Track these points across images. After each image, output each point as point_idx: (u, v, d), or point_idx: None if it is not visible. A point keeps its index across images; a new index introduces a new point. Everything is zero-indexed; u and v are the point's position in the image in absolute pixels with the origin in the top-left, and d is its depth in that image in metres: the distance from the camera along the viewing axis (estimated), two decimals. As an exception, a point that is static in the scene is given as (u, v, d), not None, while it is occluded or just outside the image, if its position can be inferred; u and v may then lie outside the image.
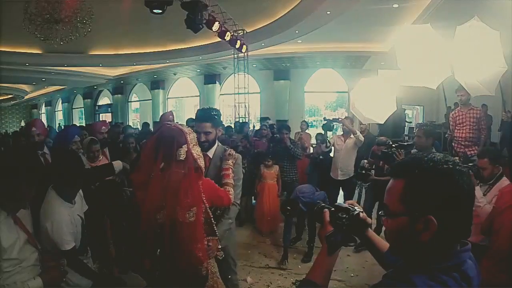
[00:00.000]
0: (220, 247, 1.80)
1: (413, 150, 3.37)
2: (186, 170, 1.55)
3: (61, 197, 1.81)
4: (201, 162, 1.64)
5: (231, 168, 2.03)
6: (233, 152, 2.11)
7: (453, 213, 0.75)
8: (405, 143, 3.62)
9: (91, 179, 2.45)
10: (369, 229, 1.10)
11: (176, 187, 1.53)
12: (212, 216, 1.73)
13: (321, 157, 5.10)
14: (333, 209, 1.06)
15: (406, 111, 11.57)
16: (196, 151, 1.64)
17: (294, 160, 4.43)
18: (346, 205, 1.05)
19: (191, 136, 1.64)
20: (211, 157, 2.12)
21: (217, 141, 2.20)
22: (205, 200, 1.64)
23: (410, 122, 11.94)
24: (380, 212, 0.85)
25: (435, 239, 0.74)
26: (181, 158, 1.55)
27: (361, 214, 1.03)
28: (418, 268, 0.76)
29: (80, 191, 2.04)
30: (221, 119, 2.38)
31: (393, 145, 3.40)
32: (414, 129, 11.30)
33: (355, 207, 1.04)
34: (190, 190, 1.54)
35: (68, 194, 1.85)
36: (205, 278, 1.66)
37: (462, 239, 0.80)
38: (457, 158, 2.23)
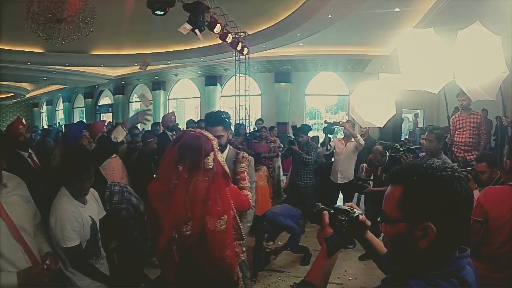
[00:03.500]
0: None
1: (421, 154, 3.33)
2: (213, 178, 1.48)
3: (71, 195, 1.80)
4: (227, 168, 1.58)
5: (246, 171, 1.98)
6: (246, 154, 2.08)
7: (452, 220, 0.74)
8: (413, 147, 3.57)
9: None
10: (368, 231, 1.10)
11: (204, 196, 1.45)
12: (239, 221, 1.68)
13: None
14: (332, 211, 1.05)
15: (406, 115, 11.57)
16: (220, 157, 1.57)
17: (307, 165, 4.32)
18: (345, 207, 1.05)
19: (215, 142, 1.57)
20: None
21: (228, 144, 2.18)
22: (233, 206, 1.58)
23: (418, 126, 11.94)
24: (379, 219, 0.85)
25: (433, 246, 0.74)
26: (209, 166, 1.46)
27: (360, 217, 1.03)
28: (416, 274, 0.75)
29: (97, 196, 2.03)
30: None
31: (401, 149, 3.36)
32: (415, 133, 11.31)
33: (355, 209, 1.04)
34: (219, 198, 1.47)
35: (77, 191, 1.83)
36: (236, 283, 1.62)
37: (461, 245, 0.80)
38: (455, 164, 2.17)
